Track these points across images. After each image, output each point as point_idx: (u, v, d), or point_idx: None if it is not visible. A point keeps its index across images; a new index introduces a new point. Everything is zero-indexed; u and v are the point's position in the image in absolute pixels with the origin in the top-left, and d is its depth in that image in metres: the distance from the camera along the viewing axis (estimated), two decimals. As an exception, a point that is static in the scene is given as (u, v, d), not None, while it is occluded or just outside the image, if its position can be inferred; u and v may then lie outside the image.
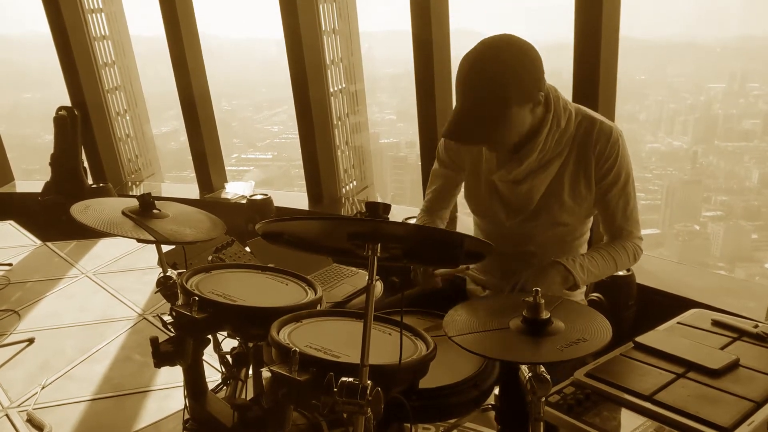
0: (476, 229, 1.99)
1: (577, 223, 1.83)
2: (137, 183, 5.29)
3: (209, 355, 1.80)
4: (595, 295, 2.34)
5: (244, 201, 4.25)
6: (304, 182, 4.35)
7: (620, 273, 2.55)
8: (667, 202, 12.66)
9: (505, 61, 1.57)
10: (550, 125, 1.70)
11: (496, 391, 1.51)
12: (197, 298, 1.52)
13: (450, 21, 3.43)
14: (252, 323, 1.54)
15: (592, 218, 1.89)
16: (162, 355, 1.61)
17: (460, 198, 2.05)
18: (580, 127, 1.74)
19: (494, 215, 1.86)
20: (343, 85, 4.19)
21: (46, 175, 4.77)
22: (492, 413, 1.57)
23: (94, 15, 4.88)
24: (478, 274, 1.97)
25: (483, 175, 1.85)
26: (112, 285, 3.45)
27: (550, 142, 1.72)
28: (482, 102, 1.60)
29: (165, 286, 1.78)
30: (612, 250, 1.78)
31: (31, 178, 5.87)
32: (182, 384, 1.72)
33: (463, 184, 1.98)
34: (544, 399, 1.28)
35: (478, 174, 1.87)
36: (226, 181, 4.79)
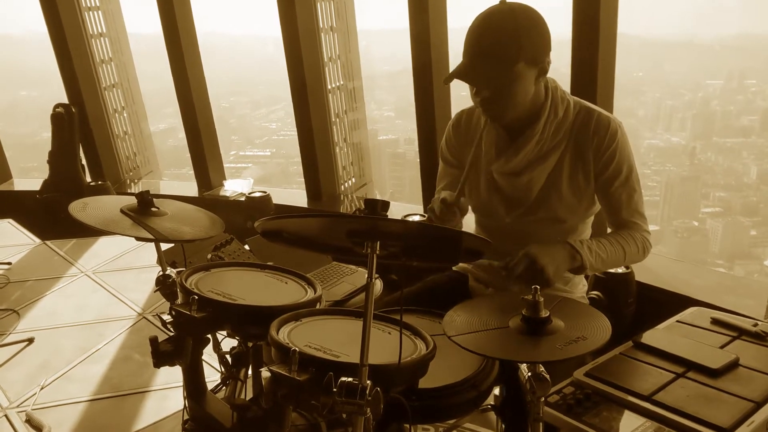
0: (477, 227, 1.99)
1: (577, 222, 1.82)
2: (135, 181, 5.28)
3: (208, 355, 1.80)
4: (594, 293, 2.34)
5: (242, 198, 4.25)
6: (302, 179, 4.35)
7: (619, 270, 2.54)
8: (666, 199, 12.68)
9: (517, 17, 1.60)
10: (548, 113, 1.71)
11: (496, 391, 1.50)
12: (196, 297, 1.51)
13: (448, 19, 3.43)
14: (251, 322, 1.53)
15: (592, 219, 1.88)
16: (161, 355, 1.61)
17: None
18: (577, 118, 1.74)
19: (494, 210, 1.85)
20: (341, 82, 4.18)
21: (45, 173, 4.76)
22: (491, 413, 1.57)
23: (91, 12, 4.87)
24: (480, 272, 1.97)
25: (482, 169, 1.85)
26: (111, 284, 3.45)
27: (548, 132, 1.73)
28: (494, 47, 1.60)
29: (164, 285, 1.77)
30: (620, 237, 1.73)
31: (29, 176, 5.87)
32: (181, 384, 1.72)
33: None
34: (543, 399, 1.28)
35: (478, 169, 1.87)
36: (225, 179, 4.78)
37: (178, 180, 5.81)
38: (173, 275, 1.78)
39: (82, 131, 4.84)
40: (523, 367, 1.30)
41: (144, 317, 3.06)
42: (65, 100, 4.85)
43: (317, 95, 4.02)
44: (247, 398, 1.74)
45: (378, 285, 2.27)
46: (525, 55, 1.61)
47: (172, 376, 2.44)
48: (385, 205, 1.24)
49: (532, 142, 1.73)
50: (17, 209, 4.72)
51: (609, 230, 1.83)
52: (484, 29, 1.62)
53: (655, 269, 2.83)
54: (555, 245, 1.66)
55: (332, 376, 1.14)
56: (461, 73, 1.65)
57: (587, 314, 1.37)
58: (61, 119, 4.69)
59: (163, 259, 1.81)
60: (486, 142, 1.83)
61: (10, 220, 4.50)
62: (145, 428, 2.25)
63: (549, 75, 1.72)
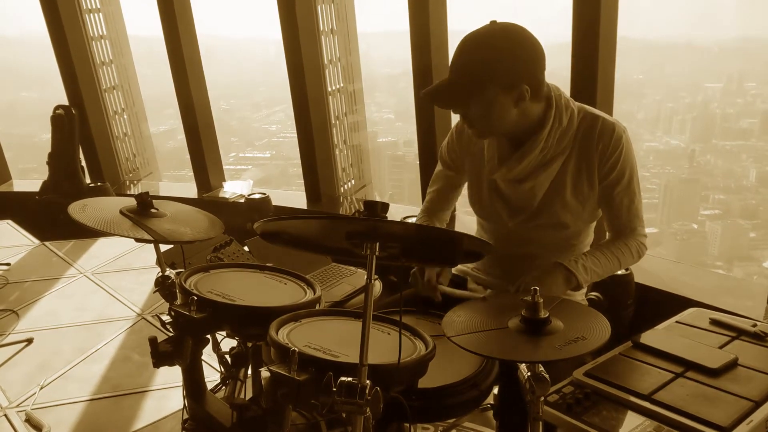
0: (479, 229, 1.99)
1: (580, 226, 1.82)
2: (135, 182, 5.28)
3: (208, 355, 1.80)
4: (593, 294, 2.34)
5: (242, 200, 4.25)
6: (302, 181, 4.35)
7: (619, 272, 2.55)
8: (665, 201, 12.67)
9: (492, 42, 1.61)
10: (552, 122, 1.70)
11: (496, 390, 1.51)
12: (196, 298, 1.52)
13: (448, 21, 3.43)
14: (251, 323, 1.53)
15: (595, 222, 1.88)
16: (161, 355, 1.61)
17: (461, 196, 2.05)
18: (582, 125, 1.74)
19: (496, 216, 1.85)
20: (341, 85, 4.19)
21: (44, 174, 4.76)
22: (491, 413, 1.57)
23: (91, 15, 4.88)
24: (480, 274, 1.98)
25: (485, 176, 1.85)
26: (111, 284, 3.45)
27: (552, 140, 1.72)
28: (461, 70, 1.63)
29: (163, 286, 1.78)
30: (615, 248, 1.76)
31: (29, 177, 5.86)
32: (181, 384, 1.72)
33: (464, 185, 1.98)
34: (543, 398, 1.28)
35: (480, 175, 1.87)
36: (225, 180, 4.79)
37: (178, 181, 5.82)
38: (172, 276, 1.78)
39: (82, 133, 4.85)
40: (523, 366, 1.30)
41: (143, 318, 3.06)
42: (65, 102, 4.85)
43: (317, 97, 4.02)
44: (247, 398, 1.74)
45: (377, 286, 2.27)
46: (497, 80, 1.60)
47: (172, 376, 2.44)
48: (385, 206, 1.25)
49: (536, 150, 1.72)
50: (16, 210, 4.73)
51: (608, 235, 1.84)
52: (461, 50, 1.64)
53: (654, 271, 2.83)
54: (551, 273, 1.67)
55: (332, 376, 1.14)
56: (432, 92, 1.69)
57: (586, 315, 1.37)
58: (61, 121, 4.69)
59: (163, 260, 1.81)
60: (488, 151, 1.83)
61: (9, 221, 4.51)
62: (145, 428, 2.26)
63: (551, 81, 1.72)
